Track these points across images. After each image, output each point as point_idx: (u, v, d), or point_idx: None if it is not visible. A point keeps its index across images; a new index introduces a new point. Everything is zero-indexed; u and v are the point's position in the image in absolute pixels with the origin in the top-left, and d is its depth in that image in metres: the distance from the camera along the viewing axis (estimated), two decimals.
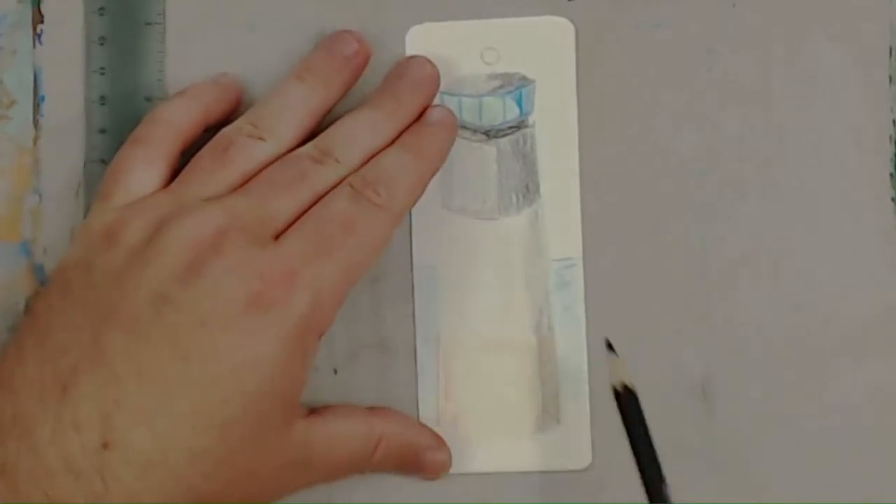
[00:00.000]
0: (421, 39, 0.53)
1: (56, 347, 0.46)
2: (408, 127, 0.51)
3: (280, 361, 0.46)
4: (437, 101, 0.53)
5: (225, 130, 0.51)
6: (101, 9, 0.54)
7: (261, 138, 0.50)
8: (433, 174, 0.51)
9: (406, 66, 0.52)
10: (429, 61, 0.52)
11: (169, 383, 0.45)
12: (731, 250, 0.53)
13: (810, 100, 0.53)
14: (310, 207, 0.49)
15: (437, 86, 0.52)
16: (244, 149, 0.50)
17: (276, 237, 0.48)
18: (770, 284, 0.53)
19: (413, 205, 0.51)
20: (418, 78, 0.52)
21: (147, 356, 0.45)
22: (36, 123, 0.54)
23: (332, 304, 0.48)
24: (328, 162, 0.49)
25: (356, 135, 0.50)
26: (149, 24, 0.54)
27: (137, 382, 0.45)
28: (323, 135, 0.51)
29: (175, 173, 0.51)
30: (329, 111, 0.52)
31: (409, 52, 0.53)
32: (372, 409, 0.52)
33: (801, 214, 0.53)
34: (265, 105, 0.51)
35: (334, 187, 0.49)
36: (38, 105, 0.54)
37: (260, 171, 0.49)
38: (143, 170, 0.50)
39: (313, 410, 0.50)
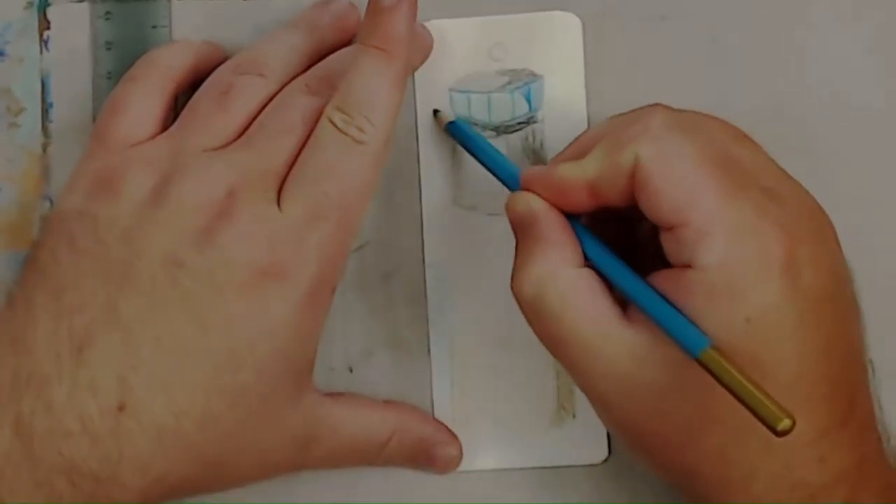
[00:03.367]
0: None
1: (69, 305, 0.46)
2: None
3: (294, 327, 0.47)
4: (446, 98, 0.53)
5: (221, 70, 0.51)
6: (108, 13, 0.54)
7: (260, 75, 0.50)
8: (408, 74, 0.51)
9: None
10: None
11: (185, 350, 0.45)
12: None
13: (820, 86, 0.53)
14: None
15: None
16: (244, 91, 0.49)
17: (279, 190, 0.48)
18: None
19: (394, 123, 0.49)
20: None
21: (163, 322, 0.45)
22: (45, 130, 0.54)
23: (340, 257, 0.48)
24: (323, 93, 0.49)
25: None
26: (155, 27, 0.54)
27: (154, 348, 0.45)
28: (316, 66, 0.51)
29: (169, 114, 0.51)
30: (319, 60, 0.51)
31: None
32: (386, 402, 0.52)
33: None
34: (260, 47, 0.51)
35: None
36: (47, 111, 0.54)
37: (260, 109, 0.49)
38: (138, 107, 0.50)
39: (329, 394, 0.51)
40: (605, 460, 0.53)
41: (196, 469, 0.46)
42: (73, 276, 0.46)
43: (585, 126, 0.53)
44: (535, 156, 0.53)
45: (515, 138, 0.53)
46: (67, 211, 0.48)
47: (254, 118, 0.49)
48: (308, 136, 0.48)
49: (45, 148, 0.54)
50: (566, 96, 0.53)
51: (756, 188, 0.44)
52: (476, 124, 0.53)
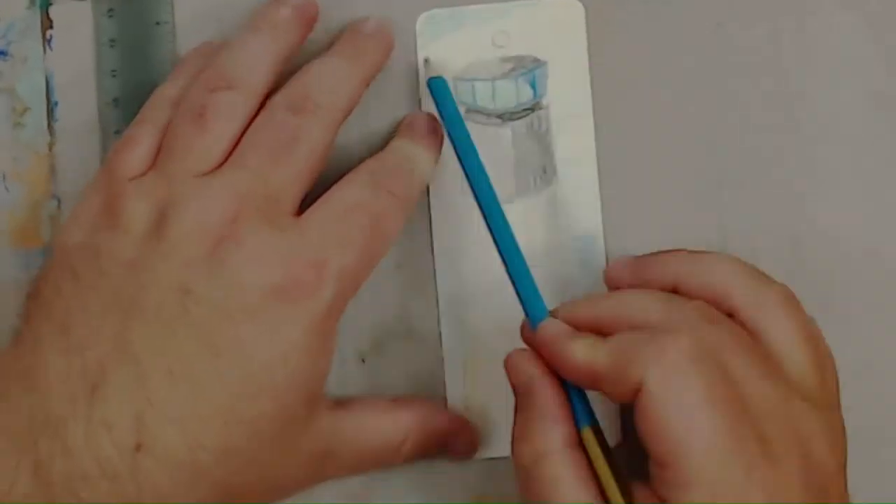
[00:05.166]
0: (430, 26, 0.53)
1: (78, 340, 0.45)
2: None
3: (307, 352, 0.46)
4: (450, 86, 0.53)
5: (192, 90, 0.49)
6: (110, 10, 0.54)
7: (230, 88, 0.49)
8: (436, 163, 0.52)
9: (361, 21, 0.52)
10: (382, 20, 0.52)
11: (199, 380, 0.45)
12: (749, 220, 0.53)
13: (823, 68, 0.53)
14: (313, 176, 0.49)
15: (391, 39, 0.52)
16: (219, 110, 0.48)
17: (295, 214, 0.48)
18: (789, 251, 0.53)
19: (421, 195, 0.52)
20: (374, 28, 0.52)
21: (175, 353, 0.45)
22: (50, 129, 0.54)
23: (353, 291, 0.48)
24: (308, 110, 0.49)
25: (326, 78, 0.50)
26: (158, 23, 0.54)
27: (167, 381, 0.45)
28: (291, 81, 0.50)
29: None
30: (289, 61, 0.51)
31: (420, 39, 0.53)
32: (397, 401, 0.52)
33: (818, 183, 0.53)
34: (225, 58, 0.50)
35: (324, 138, 0.49)
36: (52, 110, 0.54)
37: (243, 128, 0.49)
38: (144, 142, 0.49)
39: (339, 403, 0.50)
40: (618, 445, 0.53)
41: (215, 497, 0.46)
42: (79, 311, 0.46)
43: (590, 111, 0.53)
44: (541, 142, 0.53)
45: (521, 125, 0.53)
46: (69, 244, 0.48)
47: (237, 134, 0.48)
48: (305, 162, 0.48)
49: (50, 147, 0.54)
50: (570, 82, 0.53)
51: (753, 439, 0.43)
52: (481, 111, 0.53)
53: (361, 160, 0.50)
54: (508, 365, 0.48)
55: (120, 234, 0.47)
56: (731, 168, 0.53)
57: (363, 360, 0.53)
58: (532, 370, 0.47)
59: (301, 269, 0.46)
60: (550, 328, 0.47)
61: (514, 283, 0.49)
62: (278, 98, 0.49)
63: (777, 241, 0.53)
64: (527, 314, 0.48)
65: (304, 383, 0.47)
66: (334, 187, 0.49)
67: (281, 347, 0.46)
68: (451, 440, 0.52)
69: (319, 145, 0.49)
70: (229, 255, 0.46)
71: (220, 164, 0.48)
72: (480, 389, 0.53)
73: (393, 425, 0.51)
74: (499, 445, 0.53)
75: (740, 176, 0.53)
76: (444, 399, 0.53)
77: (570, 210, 0.53)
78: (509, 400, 0.52)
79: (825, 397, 0.47)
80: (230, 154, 0.48)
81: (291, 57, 0.51)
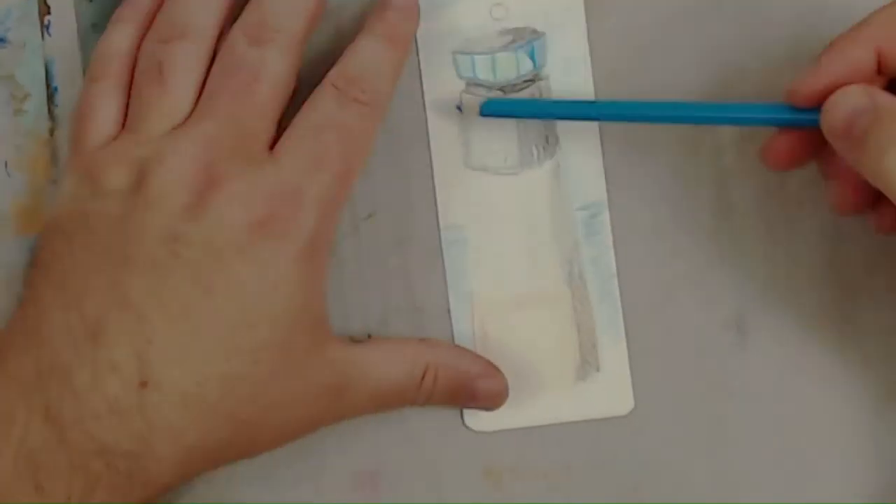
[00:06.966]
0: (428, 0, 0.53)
1: (75, 293, 0.46)
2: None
3: (298, 279, 0.47)
4: (450, 61, 0.53)
5: (147, 45, 0.50)
6: None
7: (183, 37, 0.50)
8: (405, 60, 0.51)
9: None
10: None
11: (195, 317, 0.46)
12: (752, 182, 0.53)
13: (821, 18, 0.52)
14: (282, 105, 0.49)
15: None
16: (177, 62, 0.49)
17: (270, 147, 0.48)
18: (797, 214, 0.52)
19: (392, 96, 0.51)
20: None
21: (170, 295, 0.46)
22: (51, 114, 0.54)
23: (335, 214, 0.49)
24: (266, 38, 0.49)
25: (281, 3, 0.50)
26: None
27: (165, 321, 0.46)
28: (246, 10, 0.50)
29: None
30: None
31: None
32: (420, 339, 0.52)
33: None
34: (176, 5, 0.51)
35: (286, 64, 0.49)
36: (52, 95, 0.54)
37: (205, 71, 0.49)
38: (103, 108, 0.50)
39: (356, 340, 0.51)
40: (631, 411, 0.53)
41: (229, 431, 0.47)
42: (73, 268, 0.47)
43: (591, 81, 0.53)
44: None
45: (522, 97, 0.53)
46: (58, 215, 0.49)
47: (199, 80, 0.49)
48: (270, 89, 0.49)
49: (52, 132, 0.54)
50: (569, 52, 0.53)
51: None
52: (482, 85, 0.53)
53: None
54: (836, 104, 0.46)
55: (104, 196, 0.48)
56: (733, 134, 0.53)
57: (369, 337, 0.53)
58: (867, 92, 0.46)
59: (278, 201, 0.47)
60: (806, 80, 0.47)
61: None
62: (235, 31, 0.50)
63: (781, 198, 0.53)
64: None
65: (300, 311, 0.48)
66: (301, 109, 0.49)
67: (271, 279, 0.47)
68: (476, 383, 0.52)
69: (283, 74, 0.49)
70: (211, 199, 0.47)
71: (191, 114, 0.49)
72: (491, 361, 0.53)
73: (412, 358, 0.51)
74: (513, 416, 0.53)
75: (742, 142, 0.53)
76: None
77: (573, 180, 0.53)
78: (520, 370, 0.53)
79: None
80: (198, 101, 0.49)
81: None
